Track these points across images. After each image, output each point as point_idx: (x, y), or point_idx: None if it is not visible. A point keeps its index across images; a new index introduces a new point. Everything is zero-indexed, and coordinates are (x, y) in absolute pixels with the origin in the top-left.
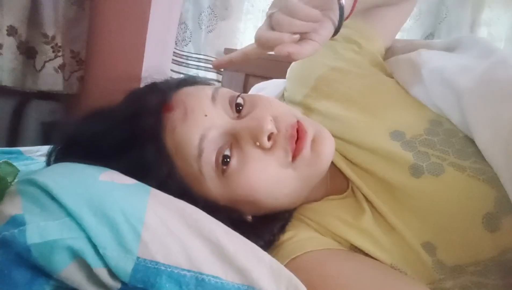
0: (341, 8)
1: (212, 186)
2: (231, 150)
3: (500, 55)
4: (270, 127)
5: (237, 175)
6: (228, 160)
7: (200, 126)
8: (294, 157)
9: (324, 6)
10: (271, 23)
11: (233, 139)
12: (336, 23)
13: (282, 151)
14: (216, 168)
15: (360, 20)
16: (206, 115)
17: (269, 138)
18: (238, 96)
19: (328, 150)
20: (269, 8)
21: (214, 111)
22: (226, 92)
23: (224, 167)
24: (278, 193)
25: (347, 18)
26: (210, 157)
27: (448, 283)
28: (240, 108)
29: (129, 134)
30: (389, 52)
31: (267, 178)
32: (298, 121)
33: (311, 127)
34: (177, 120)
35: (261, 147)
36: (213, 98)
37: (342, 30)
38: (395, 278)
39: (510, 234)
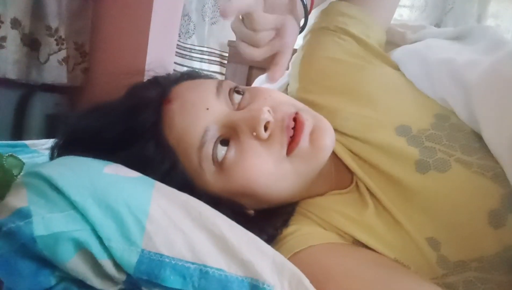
0: (305, 7)
1: (212, 179)
2: (229, 142)
3: (509, 50)
4: (266, 116)
5: (235, 168)
6: (224, 152)
7: (202, 119)
8: (290, 150)
9: (286, 7)
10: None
11: (232, 131)
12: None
13: (278, 145)
14: (214, 161)
15: (354, 7)
16: (208, 109)
17: (265, 128)
18: (236, 87)
19: (327, 142)
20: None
21: (217, 104)
22: (228, 85)
23: (221, 158)
24: (275, 186)
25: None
26: (209, 150)
27: (451, 278)
28: (240, 95)
29: (129, 129)
30: (398, 40)
31: (264, 172)
32: (296, 112)
33: (310, 118)
34: (175, 112)
35: (258, 137)
36: (218, 92)
37: (338, 20)
38: (398, 272)
39: None
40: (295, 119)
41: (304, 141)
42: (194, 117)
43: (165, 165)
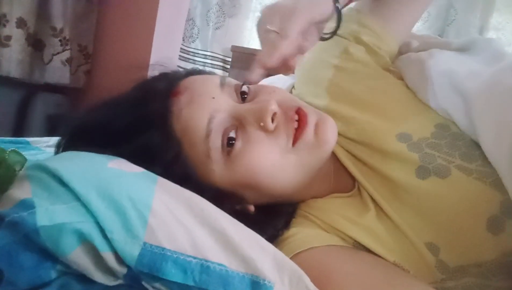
0: (338, 12)
1: (217, 168)
2: (236, 133)
3: (510, 61)
4: (274, 107)
5: (241, 157)
6: (233, 142)
7: (208, 107)
8: (295, 141)
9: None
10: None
11: (238, 123)
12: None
13: (284, 136)
14: (222, 150)
15: (371, 18)
16: (213, 98)
17: (272, 120)
18: (243, 84)
19: (331, 135)
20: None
21: (222, 95)
22: (232, 81)
23: (229, 148)
24: (279, 178)
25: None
26: (217, 138)
27: (450, 283)
28: (245, 96)
29: (136, 118)
30: (404, 49)
31: (269, 162)
32: (299, 107)
33: (313, 113)
34: (184, 103)
35: (265, 128)
36: (222, 85)
37: (353, 28)
38: (397, 275)
39: None
40: (299, 113)
41: (309, 132)
42: (200, 105)
43: (169, 154)
